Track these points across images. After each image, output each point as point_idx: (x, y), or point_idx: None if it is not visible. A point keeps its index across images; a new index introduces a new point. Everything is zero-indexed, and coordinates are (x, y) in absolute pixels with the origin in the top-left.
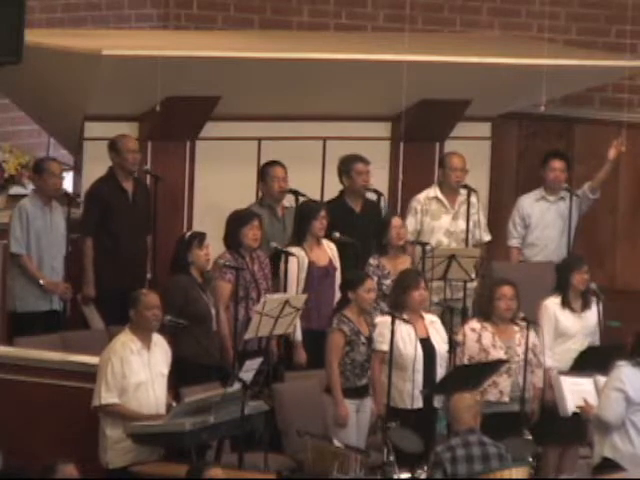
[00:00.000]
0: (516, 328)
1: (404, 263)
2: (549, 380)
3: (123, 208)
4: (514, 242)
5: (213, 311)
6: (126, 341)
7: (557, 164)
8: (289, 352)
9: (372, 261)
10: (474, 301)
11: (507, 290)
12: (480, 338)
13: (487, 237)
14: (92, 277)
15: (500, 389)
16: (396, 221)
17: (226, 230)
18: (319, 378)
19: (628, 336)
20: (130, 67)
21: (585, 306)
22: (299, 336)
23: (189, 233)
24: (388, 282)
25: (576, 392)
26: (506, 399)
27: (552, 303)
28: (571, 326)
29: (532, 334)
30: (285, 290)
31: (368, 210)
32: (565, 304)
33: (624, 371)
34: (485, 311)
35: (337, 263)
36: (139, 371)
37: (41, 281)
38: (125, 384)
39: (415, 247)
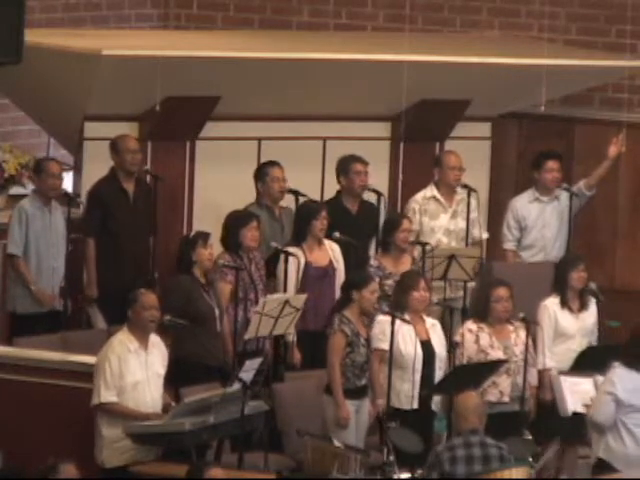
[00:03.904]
0: (511, 328)
1: (405, 263)
2: (549, 380)
3: (124, 209)
4: (509, 245)
5: (217, 311)
6: (123, 340)
7: (553, 164)
8: (284, 353)
9: (373, 262)
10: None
11: (503, 292)
12: (478, 339)
13: (485, 235)
14: (94, 278)
15: (500, 389)
16: (407, 223)
17: (224, 231)
18: (319, 378)
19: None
20: (130, 67)
21: (582, 306)
22: (293, 337)
23: (193, 232)
24: (390, 282)
25: (576, 392)
26: (506, 399)
27: (551, 303)
28: (570, 326)
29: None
30: (285, 290)
31: (365, 211)
32: (564, 304)
33: (616, 372)
34: (481, 312)
35: (339, 264)
36: (136, 371)
37: (32, 287)
38: (123, 383)
39: (415, 247)
